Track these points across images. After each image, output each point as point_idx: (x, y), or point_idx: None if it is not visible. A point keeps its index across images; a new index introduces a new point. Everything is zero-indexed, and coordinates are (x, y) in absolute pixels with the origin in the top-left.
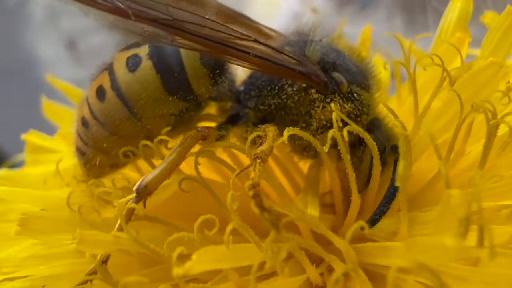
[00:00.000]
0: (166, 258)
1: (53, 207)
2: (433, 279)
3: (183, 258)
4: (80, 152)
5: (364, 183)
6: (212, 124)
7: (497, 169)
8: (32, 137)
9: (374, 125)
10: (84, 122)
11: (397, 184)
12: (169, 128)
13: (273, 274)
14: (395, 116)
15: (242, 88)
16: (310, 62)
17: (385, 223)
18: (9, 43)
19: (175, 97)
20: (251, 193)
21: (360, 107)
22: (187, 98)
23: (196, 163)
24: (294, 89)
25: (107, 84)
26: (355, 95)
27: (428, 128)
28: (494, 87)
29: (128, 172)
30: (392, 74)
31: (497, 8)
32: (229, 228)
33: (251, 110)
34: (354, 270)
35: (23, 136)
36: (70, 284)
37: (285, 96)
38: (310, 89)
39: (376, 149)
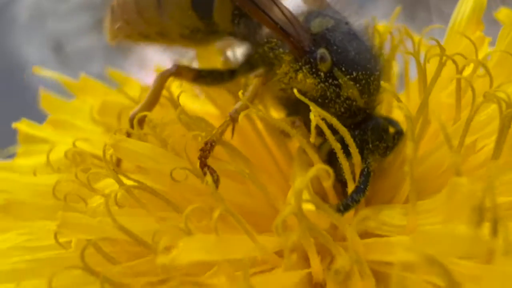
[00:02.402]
0: (153, 248)
1: (39, 194)
2: (443, 275)
3: (172, 249)
4: (112, 9)
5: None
6: None
7: (510, 164)
8: (23, 126)
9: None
10: None
11: (406, 168)
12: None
13: (270, 269)
14: (398, 100)
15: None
16: (302, 27)
17: (388, 215)
18: None
19: (195, 12)
20: (201, 146)
21: (331, 91)
22: (204, 18)
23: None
24: (278, 43)
25: None
26: (332, 77)
27: (439, 117)
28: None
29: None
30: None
31: (507, 4)
32: (216, 213)
33: (256, 54)
34: (358, 262)
35: (14, 125)
36: (52, 274)
37: (269, 46)
38: (287, 49)
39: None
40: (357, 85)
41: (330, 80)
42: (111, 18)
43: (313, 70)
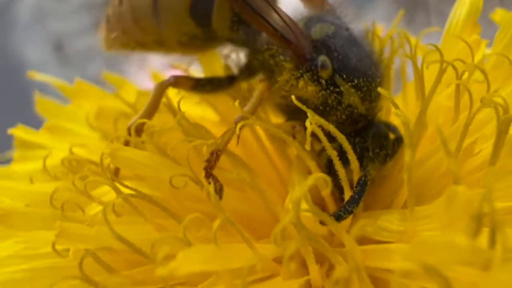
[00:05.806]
0: (152, 258)
1: (37, 203)
2: (442, 284)
3: (171, 259)
4: (107, 19)
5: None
6: None
7: (508, 168)
8: (19, 131)
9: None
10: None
11: (404, 175)
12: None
13: (268, 277)
14: (396, 106)
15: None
16: (302, 34)
17: (386, 220)
18: None
19: (193, 20)
20: (207, 156)
21: (332, 99)
22: (202, 26)
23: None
24: (278, 50)
25: None
26: (333, 85)
27: (436, 121)
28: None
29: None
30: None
31: (504, 5)
32: (215, 224)
33: (255, 60)
34: (357, 270)
35: (10, 131)
36: (50, 284)
37: (269, 53)
38: (288, 57)
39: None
40: (359, 92)
41: (332, 88)
42: (107, 28)
43: (314, 77)
